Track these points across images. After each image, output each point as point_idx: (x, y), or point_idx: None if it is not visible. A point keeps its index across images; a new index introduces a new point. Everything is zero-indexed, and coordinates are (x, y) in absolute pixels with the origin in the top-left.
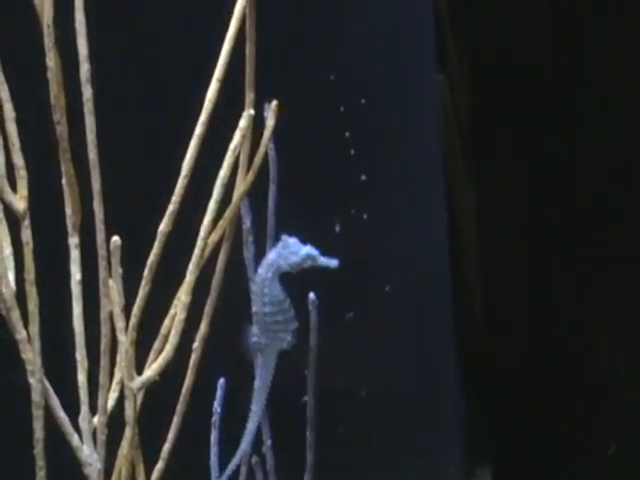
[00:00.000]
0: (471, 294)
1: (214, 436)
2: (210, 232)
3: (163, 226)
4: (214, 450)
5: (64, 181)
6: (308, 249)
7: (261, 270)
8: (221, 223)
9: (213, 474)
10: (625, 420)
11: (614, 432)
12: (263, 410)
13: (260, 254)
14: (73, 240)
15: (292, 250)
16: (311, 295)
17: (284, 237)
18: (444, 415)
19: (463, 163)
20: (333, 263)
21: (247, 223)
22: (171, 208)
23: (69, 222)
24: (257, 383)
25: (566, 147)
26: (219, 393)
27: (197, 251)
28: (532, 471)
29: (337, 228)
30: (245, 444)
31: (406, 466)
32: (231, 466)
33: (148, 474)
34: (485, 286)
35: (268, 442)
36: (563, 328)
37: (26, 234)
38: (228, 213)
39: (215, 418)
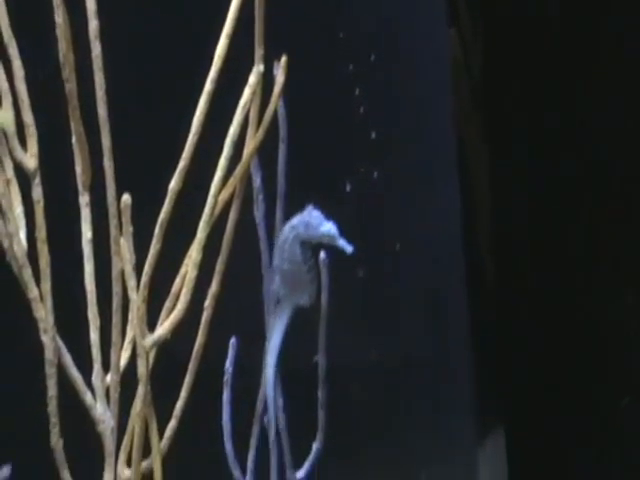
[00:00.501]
0: (484, 251)
1: (226, 395)
2: (220, 189)
3: (173, 183)
4: (226, 409)
5: (74, 139)
6: (329, 227)
7: (285, 229)
8: (231, 181)
9: (225, 432)
10: (638, 373)
11: (627, 385)
12: (277, 362)
13: (271, 213)
14: (84, 198)
15: (314, 223)
16: (322, 255)
17: (309, 208)
18: (456, 377)
19: (476, 119)
20: (349, 248)
21: (257, 181)
22: (181, 165)
23: (79, 180)
24: (270, 335)
25: (581, 103)
26: (231, 352)
27: (207, 209)
28: (546, 428)
29: (347, 187)
30: (265, 393)
31: (418, 429)
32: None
33: (161, 432)
34: (498, 245)
35: (279, 401)
36: (576, 284)
37: (37, 192)
38: (238, 170)
39: (227, 377)
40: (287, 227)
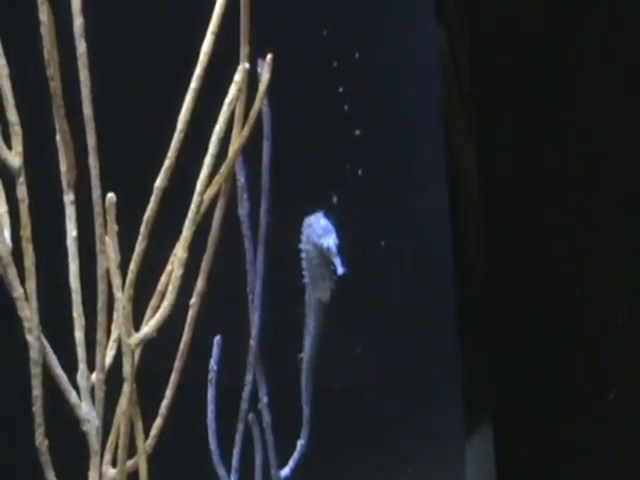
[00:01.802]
0: (471, 241)
1: (211, 394)
2: (206, 187)
3: (159, 181)
4: (211, 407)
5: (58, 137)
6: (330, 241)
7: (304, 224)
8: (217, 178)
9: (210, 431)
10: (624, 367)
11: (614, 378)
12: (313, 358)
13: (255, 211)
14: (68, 197)
15: (318, 232)
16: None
17: (319, 214)
18: (443, 371)
19: (463, 114)
20: (340, 270)
21: (241, 180)
22: (167, 163)
23: (64, 179)
24: (307, 333)
25: (567, 95)
26: (216, 350)
27: (193, 206)
28: (533, 422)
29: (332, 184)
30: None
31: (404, 424)
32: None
33: (146, 431)
34: (485, 234)
35: (264, 399)
36: (563, 277)
37: (21, 191)
38: (224, 168)
39: (211, 376)
40: (305, 223)
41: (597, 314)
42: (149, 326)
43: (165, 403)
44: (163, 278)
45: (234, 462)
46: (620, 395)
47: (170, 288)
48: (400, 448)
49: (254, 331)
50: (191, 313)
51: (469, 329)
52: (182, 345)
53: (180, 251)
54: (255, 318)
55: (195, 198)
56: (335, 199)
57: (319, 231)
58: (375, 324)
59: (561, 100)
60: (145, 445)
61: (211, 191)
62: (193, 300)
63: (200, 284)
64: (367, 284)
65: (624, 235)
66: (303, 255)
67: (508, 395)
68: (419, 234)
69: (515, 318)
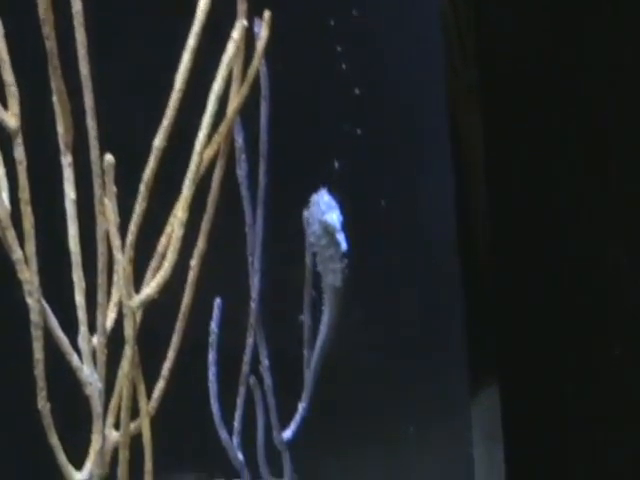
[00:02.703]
0: (474, 202)
1: (212, 356)
2: (205, 147)
3: (158, 141)
4: (212, 370)
5: (55, 98)
6: (333, 218)
7: (310, 203)
8: (216, 137)
9: (212, 393)
10: (628, 322)
11: (618, 334)
12: (326, 345)
13: (254, 172)
14: (66, 159)
15: (321, 208)
16: (305, 213)
17: (323, 191)
18: (448, 330)
19: (467, 76)
20: (344, 245)
21: (239, 141)
22: (165, 123)
23: (61, 140)
24: (322, 319)
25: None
26: (216, 313)
27: (192, 166)
28: (541, 381)
29: (331, 144)
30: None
31: (408, 384)
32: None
33: (149, 393)
34: (489, 196)
35: (266, 362)
36: (566, 234)
37: (19, 152)
38: (223, 127)
39: (212, 338)
40: (310, 202)
41: (599, 268)
42: (150, 287)
43: (167, 365)
44: (163, 239)
45: (236, 425)
46: (625, 350)
47: (170, 249)
48: (403, 410)
49: (254, 293)
50: (192, 274)
51: (473, 289)
52: (183, 307)
53: (180, 212)
54: (255, 280)
55: (194, 158)
56: (334, 158)
57: (322, 207)
58: (376, 288)
59: (574, 83)
60: (148, 407)
61: (210, 151)
62: (194, 261)
63: (201, 245)
64: (368, 248)
65: (629, 186)
66: (311, 239)
67: (516, 356)
68: (421, 199)
69: (518, 276)
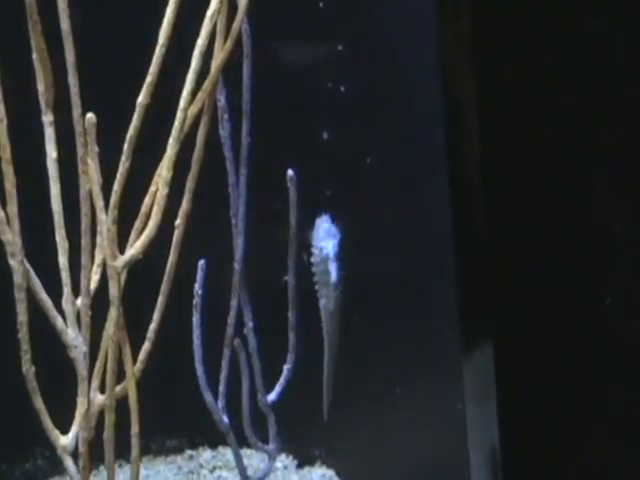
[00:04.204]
0: (467, 157)
1: (196, 319)
2: (189, 104)
3: (142, 98)
4: (196, 333)
5: (35, 56)
6: (328, 246)
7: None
8: (200, 95)
9: (196, 356)
10: (622, 272)
11: (610, 286)
12: (333, 362)
13: (236, 131)
14: (47, 118)
15: (319, 235)
16: (289, 172)
17: (324, 218)
18: (441, 282)
19: (460, 39)
20: (334, 277)
21: (221, 100)
22: (149, 79)
23: (42, 99)
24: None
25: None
26: (200, 275)
27: (177, 124)
28: (532, 334)
29: (315, 100)
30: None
31: (399, 341)
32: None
33: (134, 355)
34: (482, 145)
35: (250, 324)
36: (561, 188)
37: None
38: (207, 84)
39: (196, 300)
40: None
41: (596, 224)
42: (134, 248)
43: (153, 327)
44: (147, 199)
45: (221, 387)
46: (615, 301)
47: (155, 208)
48: (392, 369)
49: (238, 254)
50: (177, 234)
51: (466, 241)
52: (168, 267)
53: (165, 171)
54: (239, 241)
55: (178, 115)
56: (318, 116)
57: (321, 234)
58: (373, 235)
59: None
60: (133, 370)
61: (194, 108)
62: (178, 221)
63: (185, 204)
64: (363, 187)
65: (624, 138)
66: (312, 260)
67: (508, 309)
68: (412, 146)
69: (515, 224)
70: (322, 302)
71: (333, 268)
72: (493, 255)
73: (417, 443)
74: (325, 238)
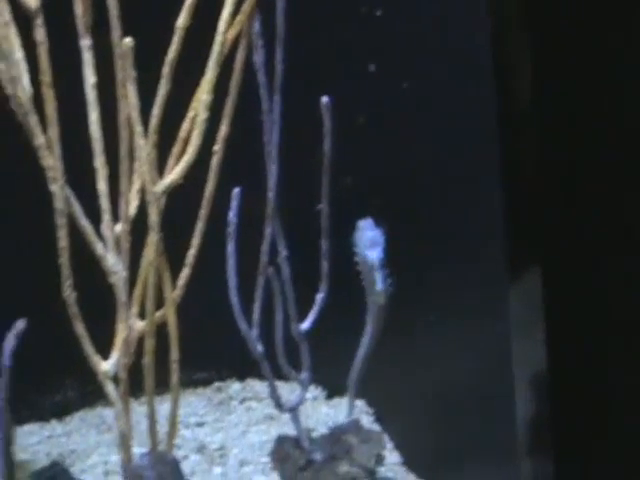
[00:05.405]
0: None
1: (230, 247)
2: (229, 27)
3: (181, 20)
4: (231, 261)
5: None
6: (374, 255)
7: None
8: (239, 17)
9: (231, 285)
10: None
11: None
12: (368, 357)
13: (270, 59)
14: (85, 42)
15: (365, 243)
16: (324, 98)
17: (368, 222)
18: (487, 213)
19: None
20: (380, 285)
21: (256, 26)
22: (188, 1)
23: (79, 23)
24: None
25: None
26: (234, 203)
27: (216, 47)
28: (580, 266)
29: (351, 32)
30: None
31: (439, 267)
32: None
33: (173, 281)
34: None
35: (283, 253)
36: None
37: (40, 33)
38: (246, 6)
39: (230, 229)
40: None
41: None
42: (174, 173)
43: (192, 252)
44: (185, 124)
45: (254, 316)
46: None
47: (195, 133)
48: (431, 297)
49: (271, 182)
50: (215, 159)
51: (513, 172)
52: (207, 193)
53: (204, 94)
54: (272, 169)
55: (217, 38)
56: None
57: (366, 242)
58: (392, 171)
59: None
60: (173, 295)
61: (233, 31)
62: (217, 146)
63: (224, 129)
64: (384, 133)
65: None
66: (357, 259)
67: (555, 243)
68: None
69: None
70: (372, 298)
71: (379, 277)
72: (542, 177)
73: (451, 373)
74: (370, 247)
